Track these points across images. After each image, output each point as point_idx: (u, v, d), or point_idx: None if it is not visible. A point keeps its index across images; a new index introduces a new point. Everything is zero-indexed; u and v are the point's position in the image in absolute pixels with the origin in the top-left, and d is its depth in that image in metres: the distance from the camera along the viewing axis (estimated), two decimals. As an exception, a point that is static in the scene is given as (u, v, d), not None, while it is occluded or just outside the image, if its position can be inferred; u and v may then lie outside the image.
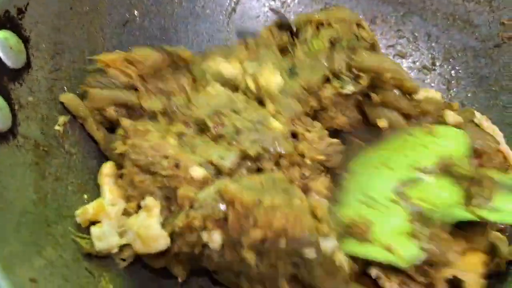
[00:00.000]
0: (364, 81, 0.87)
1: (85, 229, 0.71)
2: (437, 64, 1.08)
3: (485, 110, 1.00)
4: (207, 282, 0.79)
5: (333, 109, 0.90)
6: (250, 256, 0.63)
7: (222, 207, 0.63)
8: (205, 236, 0.63)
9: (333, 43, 0.91)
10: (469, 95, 1.04)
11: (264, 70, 0.84)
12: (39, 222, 0.65)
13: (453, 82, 1.06)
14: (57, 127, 0.77)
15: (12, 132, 0.68)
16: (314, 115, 0.90)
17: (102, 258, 0.70)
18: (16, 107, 0.70)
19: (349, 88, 0.87)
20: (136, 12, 0.98)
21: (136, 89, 0.84)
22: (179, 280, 0.74)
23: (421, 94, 0.92)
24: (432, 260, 0.69)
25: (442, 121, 0.90)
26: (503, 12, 1.01)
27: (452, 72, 1.07)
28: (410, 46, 1.11)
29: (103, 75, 0.84)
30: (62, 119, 0.79)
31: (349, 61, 0.88)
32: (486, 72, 1.03)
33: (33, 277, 0.55)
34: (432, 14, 1.10)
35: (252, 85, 0.83)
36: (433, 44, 1.09)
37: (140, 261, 0.72)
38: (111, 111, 0.81)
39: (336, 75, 0.89)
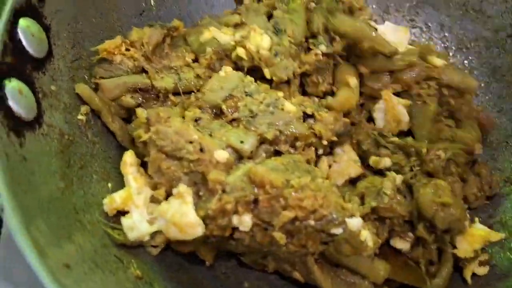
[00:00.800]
0: (338, 44, 0.89)
1: (112, 218, 0.71)
2: (450, 54, 1.09)
3: (498, 100, 1.02)
4: (233, 264, 0.80)
5: (316, 75, 0.92)
6: (280, 237, 0.64)
7: (253, 189, 0.63)
8: (235, 219, 0.63)
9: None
10: (482, 85, 1.04)
11: (251, 34, 0.85)
12: (67, 208, 0.65)
13: (466, 71, 1.06)
14: (79, 117, 0.78)
15: (37, 120, 0.68)
16: (301, 82, 0.92)
17: (131, 246, 0.70)
18: (40, 95, 0.70)
19: (321, 48, 0.89)
20: (152, 2, 0.98)
21: (144, 71, 0.85)
22: (207, 263, 0.74)
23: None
24: None
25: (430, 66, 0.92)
26: (516, 2, 1.02)
27: (465, 62, 1.08)
28: (424, 36, 1.12)
29: (110, 64, 0.84)
30: (84, 108, 0.79)
31: (326, 23, 0.90)
32: (499, 62, 1.04)
33: (66, 262, 0.56)
34: (445, 4, 1.11)
35: (243, 54, 0.84)
36: (446, 34, 1.10)
37: (167, 247, 0.73)
38: (127, 99, 0.82)
39: (314, 36, 0.91)
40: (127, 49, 0.85)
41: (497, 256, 0.84)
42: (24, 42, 0.69)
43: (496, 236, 0.81)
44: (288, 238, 0.65)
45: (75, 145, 0.74)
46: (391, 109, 0.90)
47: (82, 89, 0.80)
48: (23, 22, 0.70)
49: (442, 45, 1.10)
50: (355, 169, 0.85)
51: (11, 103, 0.63)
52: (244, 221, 0.63)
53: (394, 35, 0.99)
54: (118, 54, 0.84)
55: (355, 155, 0.87)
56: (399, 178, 0.80)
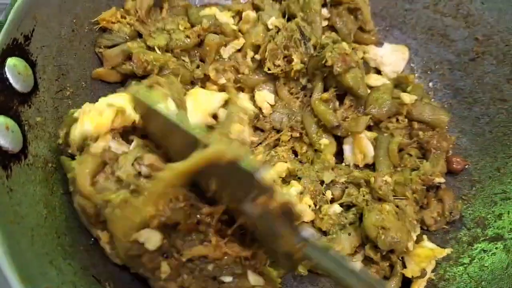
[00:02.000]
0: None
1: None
2: (416, 75, 1.15)
3: (459, 121, 1.08)
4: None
5: None
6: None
7: None
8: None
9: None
10: (445, 106, 1.11)
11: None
12: (50, 234, 0.72)
13: (430, 93, 1.13)
14: (60, 140, 0.84)
15: (23, 152, 0.74)
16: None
17: (108, 266, 0.77)
18: (26, 128, 0.77)
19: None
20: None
21: (140, 36, 0.99)
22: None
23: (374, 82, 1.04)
24: None
25: (401, 103, 0.99)
26: (478, 28, 1.09)
27: (430, 83, 1.15)
28: (390, 59, 1.18)
29: (110, 33, 0.97)
30: (61, 132, 0.85)
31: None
32: (461, 85, 1.11)
33: (47, 286, 0.63)
34: (411, 28, 1.17)
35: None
36: (412, 57, 1.17)
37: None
38: (126, 66, 0.96)
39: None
40: (123, 17, 0.98)
41: (450, 271, 0.92)
42: (11, 80, 0.75)
43: (441, 252, 0.89)
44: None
45: (58, 172, 0.80)
46: (358, 143, 0.97)
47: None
48: (10, 61, 0.76)
49: (409, 67, 1.16)
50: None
51: (-1, 139, 0.70)
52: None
53: (393, 56, 1.08)
54: (116, 23, 0.96)
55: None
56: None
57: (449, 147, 1.00)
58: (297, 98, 1.00)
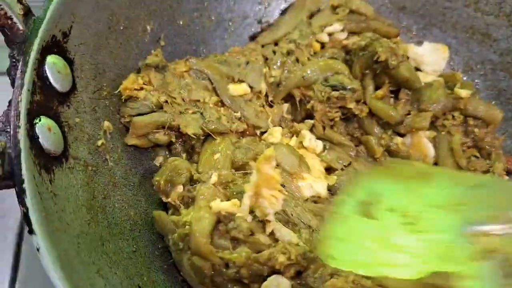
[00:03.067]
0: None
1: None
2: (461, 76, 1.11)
3: (504, 123, 1.04)
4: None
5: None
6: None
7: None
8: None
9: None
10: (488, 107, 1.07)
11: None
12: (95, 241, 0.68)
13: (492, 103, 1.08)
14: (99, 142, 0.81)
15: (64, 154, 0.71)
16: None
17: (151, 275, 0.74)
18: (66, 129, 0.73)
19: None
20: (168, 28, 1.01)
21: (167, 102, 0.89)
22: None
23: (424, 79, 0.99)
24: None
25: (456, 97, 0.94)
26: (522, 27, 1.05)
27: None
28: (430, 58, 1.14)
29: (135, 101, 0.88)
30: (106, 124, 0.83)
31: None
32: (504, 86, 1.07)
33: (98, 298, 0.60)
34: (451, 26, 1.13)
35: None
36: (452, 56, 1.13)
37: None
38: (160, 136, 0.87)
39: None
40: (146, 83, 0.89)
41: None
42: (51, 79, 0.72)
43: None
44: None
45: (98, 176, 0.77)
46: (417, 143, 0.93)
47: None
48: (50, 59, 0.73)
49: (449, 67, 1.13)
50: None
51: (41, 141, 0.66)
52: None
53: (432, 55, 1.04)
54: (140, 90, 0.88)
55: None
56: None
57: (501, 146, 0.96)
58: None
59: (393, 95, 0.96)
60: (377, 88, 0.95)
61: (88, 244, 0.67)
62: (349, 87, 0.90)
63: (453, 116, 0.94)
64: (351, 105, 0.90)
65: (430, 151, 0.93)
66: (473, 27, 1.11)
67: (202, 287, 0.73)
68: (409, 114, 0.94)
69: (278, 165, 0.81)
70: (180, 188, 0.79)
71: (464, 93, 0.93)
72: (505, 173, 0.93)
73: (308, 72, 0.92)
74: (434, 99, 0.91)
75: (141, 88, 0.88)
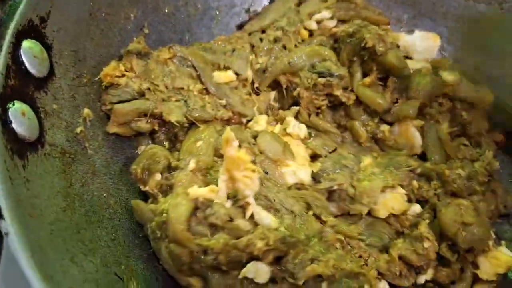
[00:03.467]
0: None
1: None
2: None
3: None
4: None
5: None
6: None
7: None
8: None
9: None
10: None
11: None
12: (70, 228, 0.66)
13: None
14: (78, 129, 0.79)
15: (39, 141, 0.69)
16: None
17: (130, 264, 0.72)
18: (42, 115, 0.72)
19: None
20: (152, 16, 0.99)
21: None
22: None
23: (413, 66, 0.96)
24: None
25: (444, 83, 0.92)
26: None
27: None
28: (421, 47, 1.12)
29: (116, 88, 0.86)
30: (86, 112, 0.81)
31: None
32: (496, 73, 1.04)
33: (70, 285, 0.57)
34: (442, 15, 1.11)
35: None
36: (444, 45, 1.11)
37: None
38: (142, 124, 0.86)
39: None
40: (127, 70, 0.87)
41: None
42: (26, 64, 0.70)
43: None
44: None
45: (76, 163, 0.75)
46: (405, 132, 0.91)
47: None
48: (25, 44, 0.71)
49: (440, 56, 1.11)
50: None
51: (14, 125, 0.65)
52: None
53: (423, 43, 1.01)
54: (122, 77, 0.86)
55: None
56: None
57: (487, 126, 0.94)
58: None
59: (381, 83, 0.94)
60: (365, 75, 0.93)
61: (63, 231, 0.65)
62: (336, 73, 0.88)
63: (439, 103, 0.92)
64: (338, 92, 0.88)
65: (417, 140, 0.90)
66: (463, 16, 1.09)
67: (181, 275, 0.71)
68: (396, 102, 0.92)
69: (261, 152, 0.79)
70: (158, 176, 0.77)
71: (451, 77, 0.91)
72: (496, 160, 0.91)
73: (295, 58, 0.90)
74: (423, 86, 0.89)
75: (123, 75, 0.85)
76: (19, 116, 0.66)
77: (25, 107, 0.68)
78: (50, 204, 0.65)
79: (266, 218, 0.67)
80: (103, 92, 0.85)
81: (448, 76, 0.92)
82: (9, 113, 0.65)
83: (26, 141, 0.66)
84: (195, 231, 0.68)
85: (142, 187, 0.78)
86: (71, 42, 0.81)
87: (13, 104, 0.66)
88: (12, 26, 0.69)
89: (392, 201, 0.80)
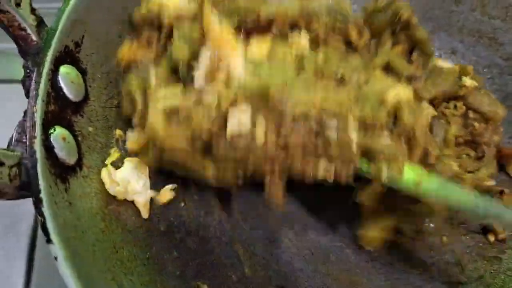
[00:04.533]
0: None
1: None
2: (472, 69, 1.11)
3: (509, 127, 1.05)
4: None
5: None
6: None
7: None
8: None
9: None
10: (495, 110, 1.08)
11: None
12: (109, 248, 0.70)
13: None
14: (112, 150, 0.82)
15: (78, 164, 0.73)
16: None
17: (166, 282, 0.75)
18: (80, 138, 0.75)
19: None
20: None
21: None
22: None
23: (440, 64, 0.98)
24: None
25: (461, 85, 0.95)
26: (528, 32, 1.05)
27: (478, 88, 1.11)
28: (437, 62, 1.15)
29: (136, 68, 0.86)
30: (114, 140, 0.84)
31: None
32: (511, 89, 1.07)
33: (114, 306, 0.61)
34: (458, 30, 1.14)
35: None
36: (459, 60, 1.13)
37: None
38: None
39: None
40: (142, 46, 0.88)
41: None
42: (64, 89, 0.73)
43: None
44: None
45: (112, 184, 0.79)
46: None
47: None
48: (63, 70, 0.74)
49: (456, 71, 1.13)
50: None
51: (56, 150, 0.68)
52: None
53: None
54: (137, 55, 0.87)
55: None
56: None
57: (500, 141, 0.96)
58: None
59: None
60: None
61: (103, 251, 0.68)
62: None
63: (455, 106, 0.94)
64: (353, 33, 0.91)
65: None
66: (479, 31, 1.11)
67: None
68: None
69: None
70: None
71: (469, 82, 0.94)
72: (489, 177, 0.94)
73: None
74: (439, 82, 0.92)
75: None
76: (60, 141, 0.69)
77: (65, 132, 0.71)
78: (91, 226, 0.69)
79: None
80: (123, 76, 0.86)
81: (467, 80, 0.95)
82: (51, 139, 0.68)
83: (66, 165, 0.70)
84: None
85: None
86: (103, 65, 0.84)
87: (54, 130, 0.69)
88: (50, 53, 0.72)
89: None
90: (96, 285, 0.61)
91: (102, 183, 0.76)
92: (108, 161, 0.79)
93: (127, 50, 0.87)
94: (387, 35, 0.95)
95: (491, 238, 0.95)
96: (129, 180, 0.77)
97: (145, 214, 0.78)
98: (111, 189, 0.75)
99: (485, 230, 0.96)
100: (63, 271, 0.58)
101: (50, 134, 0.68)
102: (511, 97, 1.07)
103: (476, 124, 0.95)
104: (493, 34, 1.10)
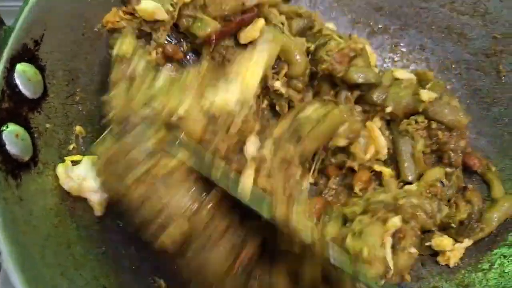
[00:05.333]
0: None
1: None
2: (433, 75, 1.12)
3: (478, 122, 1.05)
4: None
5: None
6: None
7: None
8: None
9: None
10: (463, 106, 1.08)
11: None
12: (61, 244, 0.71)
13: (456, 105, 1.08)
14: (70, 146, 0.83)
15: (33, 160, 0.73)
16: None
17: (119, 276, 0.76)
18: (36, 135, 0.76)
19: None
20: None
21: None
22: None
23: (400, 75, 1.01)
24: None
25: (418, 100, 0.95)
26: (496, 27, 1.06)
27: (447, 84, 1.11)
28: (406, 58, 1.16)
29: (120, 32, 0.89)
30: (73, 137, 0.84)
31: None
32: (479, 85, 1.08)
33: (59, 299, 0.62)
34: (427, 27, 1.14)
35: None
36: (428, 56, 1.14)
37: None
38: None
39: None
40: (127, 13, 0.92)
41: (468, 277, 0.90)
42: (20, 87, 0.74)
43: None
44: None
45: (69, 180, 0.79)
46: (374, 139, 0.95)
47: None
48: (20, 67, 0.75)
49: (425, 67, 1.13)
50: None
51: (8, 148, 0.69)
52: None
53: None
54: (121, 21, 0.90)
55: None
56: None
57: (466, 145, 0.97)
58: None
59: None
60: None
61: (54, 246, 0.69)
62: None
63: (416, 121, 0.95)
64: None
65: (383, 150, 0.95)
66: (448, 27, 1.12)
67: None
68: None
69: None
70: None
71: (426, 96, 0.94)
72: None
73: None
74: (398, 99, 0.93)
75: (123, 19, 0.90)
76: (13, 138, 0.70)
77: (19, 129, 0.72)
78: (43, 221, 0.70)
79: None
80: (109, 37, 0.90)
81: (424, 93, 0.95)
82: (3, 136, 0.69)
83: (19, 161, 0.71)
84: None
85: None
86: (64, 62, 0.85)
87: (7, 127, 0.70)
88: (6, 51, 0.73)
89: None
90: (41, 279, 0.62)
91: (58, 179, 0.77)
92: (68, 158, 0.80)
93: (113, 16, 0.90)
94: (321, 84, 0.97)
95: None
96: (85, 177, 0.77)
97: (98, 212, 0.79)
98: (65, 184, 0.76)
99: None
100: (7, 265, 0.59)
101: (2, 131, 0.69)
102: (479, 92, 1.08)
103: (440, 133, 0.96)
104: (462, 30, 1.10)
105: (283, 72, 0.93)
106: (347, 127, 0.88)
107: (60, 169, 0.76)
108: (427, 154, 0.97)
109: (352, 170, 0.96)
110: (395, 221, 0.80)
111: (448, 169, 0.95)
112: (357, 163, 0.94)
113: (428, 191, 0.90)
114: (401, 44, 1.16)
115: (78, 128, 0.85)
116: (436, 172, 0.94)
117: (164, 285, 0.80)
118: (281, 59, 0.93)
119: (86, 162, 0.79)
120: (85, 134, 0.86)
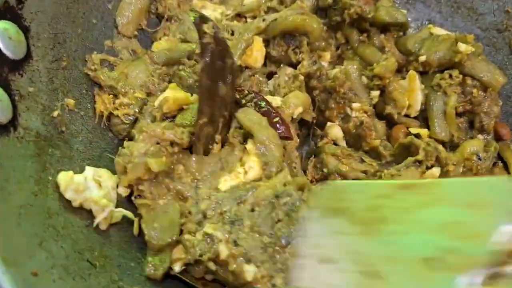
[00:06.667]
0: None
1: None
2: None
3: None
4: None
5: None
6: None
7: None
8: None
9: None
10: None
11: None
12: (40, 213, 0.65)
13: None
14: (55, 113, 0.77)
15: (13, 123, 0.68)
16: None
17: (105, 251, 0.70)
18: (17, 98, 0.70)
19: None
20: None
21: None
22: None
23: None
24: None
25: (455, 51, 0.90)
26: (508, 0, 1.00)
27: (457, 60, 1.06)
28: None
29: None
30: (59, 104, 0.78)
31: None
32: (491, 60, 1.02)
33: (34, 270, 0.56)
34: (436, 1, 1.09)
35: None
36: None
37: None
38: None
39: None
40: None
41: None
42: (1, 45, 0.69)
43: None
44: None
45: (52, 148, 0.74)
46: (411, 91, 0.90)
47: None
48: (0, 25, 0.70)
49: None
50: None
51: (-16, 108, 0.64)
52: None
53: None
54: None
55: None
56: None
57: (499, 113, 0.93)
58: None
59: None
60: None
61: (33, 216, 0.63)
62: None
63: (450, 76, 0.90)
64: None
65: (417, 105, 0.91)
66: (457, 1, 1.06)
67: None
68: None
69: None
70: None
71: (464, 47, 0.88)
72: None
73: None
74: (433, 50, 0.90)
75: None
76: (-11, 98, 0.65)
77: (-3, 89, 0.67)
78: (21, 188, 0.64)
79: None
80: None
81: (462, 45, 0.89)
82: (-21, 95, 0.63)
83: (-3, 124, 0.65)
84: None
85: None
86: (50, 25, 0.80)
87: (-16, 86, 0.64)
88: (-14, 7, 0.68)
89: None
90: (16, 248, 0.56)
91: (41, 146, 0.72)
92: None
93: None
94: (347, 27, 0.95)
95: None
96: (89, 187, 0.72)
97: (103, 226, 0.73)
98: (67, 193, 0.70)
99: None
100: (-23, 231, 0.53)
101: (-23, 90, 0.63)
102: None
103: (474, 91, 0.90)
104: (472, 3, 1.05)
105: (305, 43, 0.93)
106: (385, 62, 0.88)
107: (62, 176, 0.71)
108: (460, 119, 0.92)
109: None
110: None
111: (483, 137, 0.92)
112: (396, 112, 0.91)
113: (463, 165, 0.85)
114: (408, 19, 1.10)
115: (70, 101, 0.80)
116: (474, 144, 0.88)
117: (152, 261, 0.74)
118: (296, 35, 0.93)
119: (89, 171, 0.74)
120: (74, 108, 0.81)
